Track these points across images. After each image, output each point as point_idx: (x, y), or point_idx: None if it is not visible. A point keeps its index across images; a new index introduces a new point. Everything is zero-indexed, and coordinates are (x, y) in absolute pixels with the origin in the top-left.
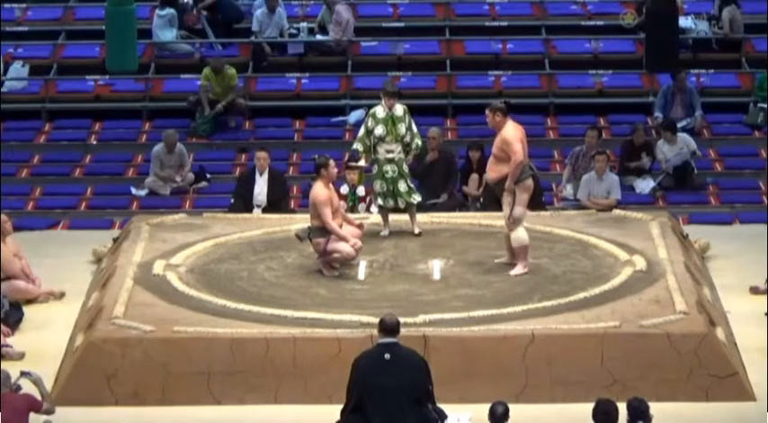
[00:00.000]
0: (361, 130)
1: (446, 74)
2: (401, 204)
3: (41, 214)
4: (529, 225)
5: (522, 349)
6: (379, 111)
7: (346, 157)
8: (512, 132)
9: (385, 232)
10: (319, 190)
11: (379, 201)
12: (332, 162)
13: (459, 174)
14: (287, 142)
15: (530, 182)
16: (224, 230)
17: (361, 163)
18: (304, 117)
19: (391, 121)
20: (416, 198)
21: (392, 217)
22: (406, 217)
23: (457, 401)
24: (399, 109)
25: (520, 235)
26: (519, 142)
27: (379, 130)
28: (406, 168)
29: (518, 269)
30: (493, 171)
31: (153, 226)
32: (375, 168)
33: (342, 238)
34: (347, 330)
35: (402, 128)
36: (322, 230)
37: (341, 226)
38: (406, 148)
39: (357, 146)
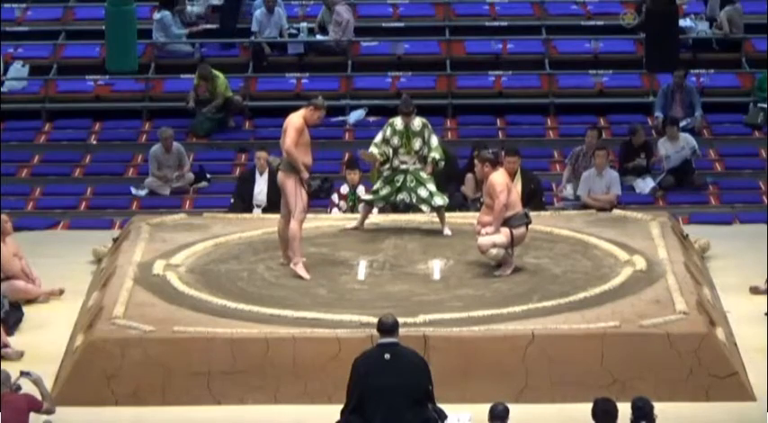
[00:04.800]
0: (379, 136)
1: (446, 74)
2: (426, 210)
3: (41, 214)
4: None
5: (522, 349)
6: (398, 122)
7: (346, 158)
8: (498, 178)
9: (350, 225)
10: (297, 118)
11: (369, 196)
12: (324, 111)
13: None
14: None
15: (522, 230)
16: (224, 230)
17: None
18: None
19: (406, 134)
20: (438, 201)
21: (392, 217)
22: (406, 217)
23: (457, 401)
24: (417, 123)
25: (494, 253)
26: (502, 186)
27: (395, 141)
28: (423, 175)
29: (503, 270)
30: (485, 214)
31: (153, 226)
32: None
33: (300, 170)
34: (347, 330)
35: (417, 143)
36: (291, 166)
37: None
38: (424, 160)
39: (372, 149)
